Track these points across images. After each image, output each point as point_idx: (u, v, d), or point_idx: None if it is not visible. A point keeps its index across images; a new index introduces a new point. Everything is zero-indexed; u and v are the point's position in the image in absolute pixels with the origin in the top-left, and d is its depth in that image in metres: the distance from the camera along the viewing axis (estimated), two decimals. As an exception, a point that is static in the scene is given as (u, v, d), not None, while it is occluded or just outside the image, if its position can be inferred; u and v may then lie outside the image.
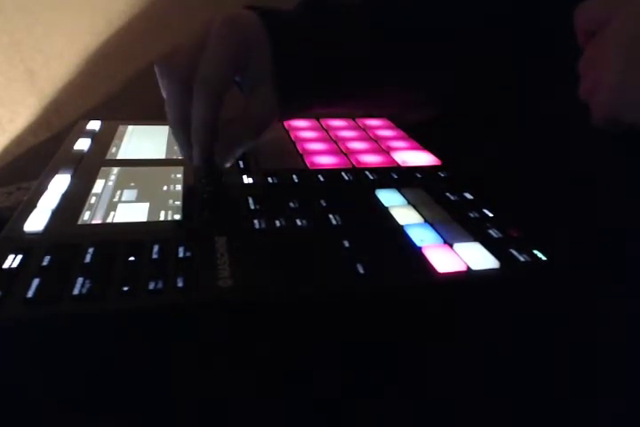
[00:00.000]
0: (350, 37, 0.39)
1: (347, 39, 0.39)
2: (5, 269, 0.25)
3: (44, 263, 0.26)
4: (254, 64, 0.36)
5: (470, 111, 0.48)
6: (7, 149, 0.84)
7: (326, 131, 0.50)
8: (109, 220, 0.31)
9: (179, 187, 0.36)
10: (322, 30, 0.38)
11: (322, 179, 0.39)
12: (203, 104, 0.34)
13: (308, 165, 0.41)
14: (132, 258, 0.27)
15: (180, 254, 0.27)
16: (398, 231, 0.31)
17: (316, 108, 0.41)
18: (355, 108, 0.44)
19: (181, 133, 0.36)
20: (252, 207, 0.33)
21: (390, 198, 0.36)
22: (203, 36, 0.35)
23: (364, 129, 0.51)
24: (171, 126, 0.36)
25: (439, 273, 0.27)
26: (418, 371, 0.28)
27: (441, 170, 0.41)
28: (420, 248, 0.29)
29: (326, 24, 0.39)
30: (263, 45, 0.36)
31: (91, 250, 0.27)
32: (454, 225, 0.32)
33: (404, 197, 0.36)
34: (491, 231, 0.31)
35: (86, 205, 0.32)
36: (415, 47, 0.41)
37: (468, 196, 0.36)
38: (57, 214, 0.31)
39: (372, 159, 0.43)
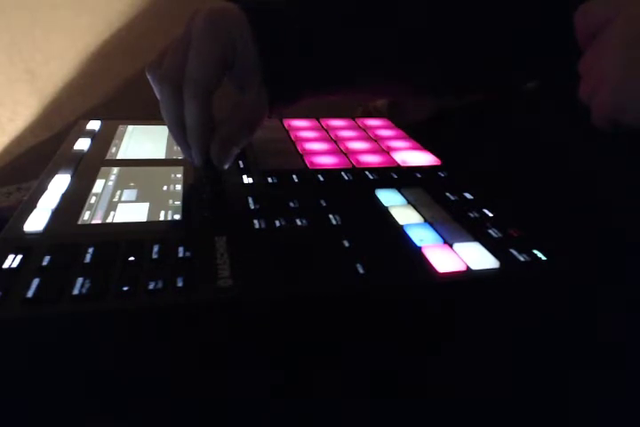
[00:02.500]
0: (336, 29, 0.39)
1: (332, 31, 0.38)
2: (5, 268, 0.25)
3: (44, 263, 0.26)
4: (240, 59, 0.36)
5: (466, 105, 0.48)
6: (7, 149, 0.84)
7: (326, 131, 0.50)
8: (109, 220, 0.31)
9: (179, 187, 0.36)
10: (306, 21, 0.38)
11: (322, 179, 0.39)
12: (193, 105, 0.34)
13: (308, 165, 0.41)
14: (131, 258, 0.26)
15: (180, 254, 0.27)
16: (398, 231, 0.31)
17: (306, 99, 0.41)
18: (348, 97, 0.44)
19: (179, 135, 0.36)
20: (252, 207, 0.33)
21: (390, 198, 0.36)
22: (186, 33, 0.35)
23: (364, 129, 0.51)
24: (168, 129, 0.36)
25: (439, 273, 0.27)
26: (417, 371, 0.28)
27: (441, 170, 0.41)
28: (419, 248, 0.29)
29: (311, 14, 0.38)
30: (247, 39, 0.36)
31: (91, 250, 0.27)
32: (454, 225, 0.32)
33: (404, 196, 0.36)
34: (491, 231, 0.31)
35: (86, 205, 0.32)
36: (405, 43, 0.40)
37: (468, 196, 0.36)
38: (57, 214, 0.31)
39: (371, 159, 0.43)
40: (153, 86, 0.37)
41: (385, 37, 0.40)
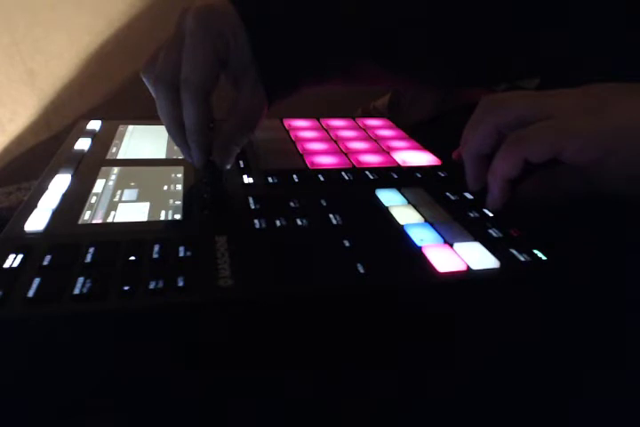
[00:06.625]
0: (332, 21, 0.38)
1: (325, 23, 0.38)
2: (6, 268, 0.25)
3: (45, 263, 0.26)
4: (234, 56, 0.36)
5: (466, 105, 0.48)
6: (7, 149, 0.84)
7: (326, 131, 0.50)
8: (110, 219, 0.31)
9: (179, 186, 0.36)
10: (298, 14, 0.37)
11: (322, 179, 0.39)
12: (192, 107, 0.34)
13: (309, 164, 0.41)
14: (132, 258, 0.27)
15: (181, 254, 0.27)
16: (398, 231, 0.31)
17: (302, 91, 0.40)
18: (344, 88, 0.44)
19: (178, 136, 0.36)
20: (253, 207, 0.33)
21: (390, 198, 0.36)
22: (178, 33, 0.35)
23: (364, 129, 0.51)
24: (167, 130, 0.36)
25: (439, 273, 0.27)
26: (417, 371, 0.28)
27: (441, 170, 0.41)
28: (420, 248, 0.29)
29: (301, 8, 0.38)
30: (240, 35, 0.35)
31: (91, 250, 0.27)
32: (454, 225, 0.32)
33: (404, 196, 0.36)
34: (491, 231, 0.31)
35: (87, 205, 0.32)
36: (403, 35, 0.40)
37: (468, 196, 0.37)
38: (57, 214, 0.31)
39: (372, 159, 0.43)
40: (149, 88, 0.37)
41: (382, 27, 0.40)
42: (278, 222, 0.31)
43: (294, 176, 0.39)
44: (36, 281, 0.24)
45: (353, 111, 0.72)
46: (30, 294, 0.23)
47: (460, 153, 0.34)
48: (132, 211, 0.32)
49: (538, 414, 0.28)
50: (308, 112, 0.53)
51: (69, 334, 0.23)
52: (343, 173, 0.40)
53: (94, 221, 0.31)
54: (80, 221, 0.31)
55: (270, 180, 0.38)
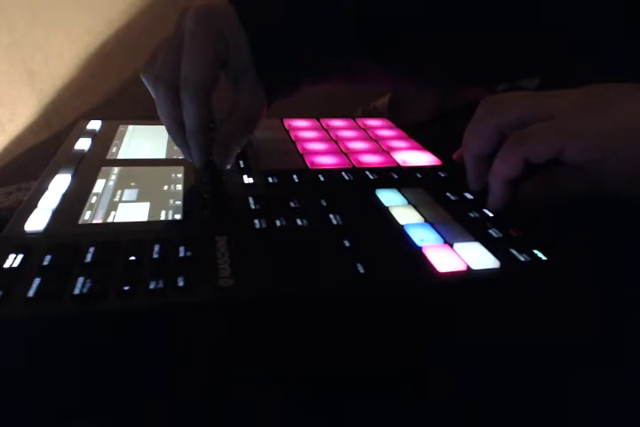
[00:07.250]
0: (328, 22, 0.38)
1: (325, 23, 0.38)
2: (6, 268, 0.25)
3: (45, 263, 0.26)
4: (234, 56, 0.36)
5: (466, 105, 0.48)
6: (7, 149, 0.84)
7: (326, 131, 0.50)
8: (110, 219, 0.31)
9: (179, 186, 0.36)
10: (298, 14, 0.38)
11: (322, 179, 0.39)
12: (191, 107, 0.34)
13: (309, 164, 0.41)
14: (132, 258, 0.27)
15: (181, 254, 0.27)
16: (398, 231, 0.31)
17: (302, 90, 0.40)
18: (345, 87, 0.44)
19: (178, 136, 0.36)
20: (253, 207, 0.33)
21: (390, 198, 0.36)
22: (177, 33, 0.35)
23: (364, 129, 0.51)
24: (167, 131, 0.36)
25: (439, 273, 0.27)
26: (417, 371, 0.28)
27: (441, 170, 0.41)
28: (420, 248, 0.29)
29: (301, 7, 0.38)
30: (239, 35, 0.35)
31: (91, 249, 0.27)
32: (454, 225, 0.32)
33: (404, 196, 0.36)
34: (491, 231, 0.31)
35: (87, 205, 0.32)
36: (403, 33, 0.40)
37: (469, 196, 0.37)
38: (57, 214, 0.31)
39: (372, 159, 0.43)
40: (148, 88, 0.37)
41: (382, 27, 0.40)
42: (278, 222, 0.31)
43: (294, 176, 0.39)
44: (36, 281, 0.24)
45: (353, 111, 0.72)
46: (30, 294, 0.23)
47: (462, 153, 0.34)
48: (132, 211, 0.32)
49: (538, 413, 0.28)
50: (308, 112, 0.53)
51: (69, 334, 0.23)
52: (343, 173, 0.40)
53: (94, 221, 0.31)
54: (80, 221, 0.31)
55: (270, 180, 0.38)
